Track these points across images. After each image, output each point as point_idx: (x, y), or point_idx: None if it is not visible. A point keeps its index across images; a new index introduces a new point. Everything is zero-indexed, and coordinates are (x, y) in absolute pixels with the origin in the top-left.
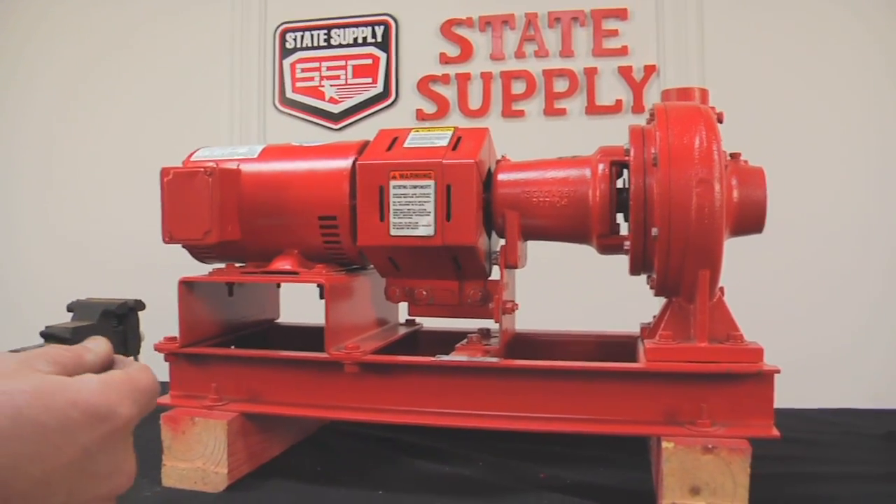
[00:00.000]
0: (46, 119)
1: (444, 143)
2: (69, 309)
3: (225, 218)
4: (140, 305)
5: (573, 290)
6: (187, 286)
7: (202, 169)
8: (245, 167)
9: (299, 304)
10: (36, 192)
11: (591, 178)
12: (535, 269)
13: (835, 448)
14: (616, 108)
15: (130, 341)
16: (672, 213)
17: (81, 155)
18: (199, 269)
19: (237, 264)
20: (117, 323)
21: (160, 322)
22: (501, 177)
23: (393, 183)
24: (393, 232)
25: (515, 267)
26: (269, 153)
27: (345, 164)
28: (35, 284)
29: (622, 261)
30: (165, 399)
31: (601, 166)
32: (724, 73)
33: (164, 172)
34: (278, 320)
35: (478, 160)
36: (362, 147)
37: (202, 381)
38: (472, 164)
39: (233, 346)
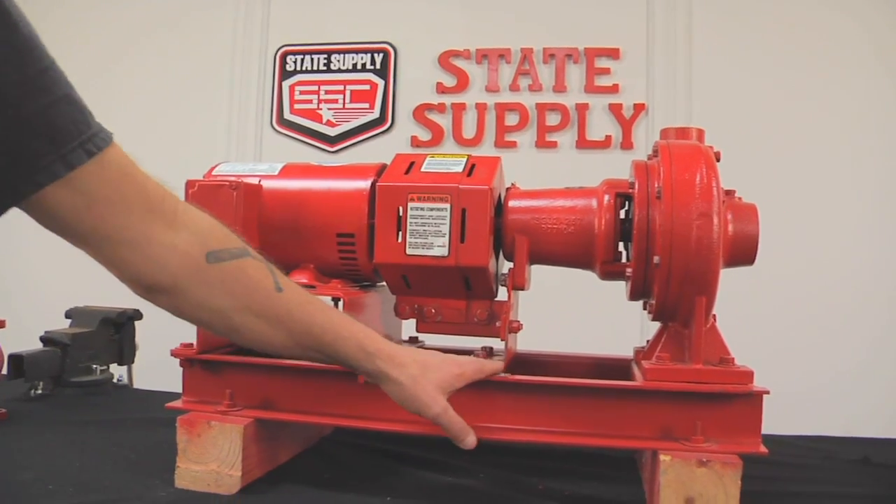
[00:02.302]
0: None
1: (460, 169)
2: (67, 315)
3: (247, 231)
4: (138, 315)
5: (561, 315)
6: None
7: (227, 183)
8: (266, 183)
9: None
10: None
11: (598, 208)
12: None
13: (817, 471)
14: (605, 144)
15: (126, 350)
16: (673, 244)
17: None
18: None
19: None
20: (114, 331)
21: (160, 331)
22: (512, 203)
23: (411, 205)
24: (409, 251)
25: (522, 289)
26: (290, 171)
27: (364, 184)
28: (35, 291)
29: (611, 287)
30: (178, 403)
31: (606, 197)
32: (711, 113)
33: (189, 185)
34: None
35: (492, 186)
36: (380, 169)
37: (216, 387)
38: (486, 190)
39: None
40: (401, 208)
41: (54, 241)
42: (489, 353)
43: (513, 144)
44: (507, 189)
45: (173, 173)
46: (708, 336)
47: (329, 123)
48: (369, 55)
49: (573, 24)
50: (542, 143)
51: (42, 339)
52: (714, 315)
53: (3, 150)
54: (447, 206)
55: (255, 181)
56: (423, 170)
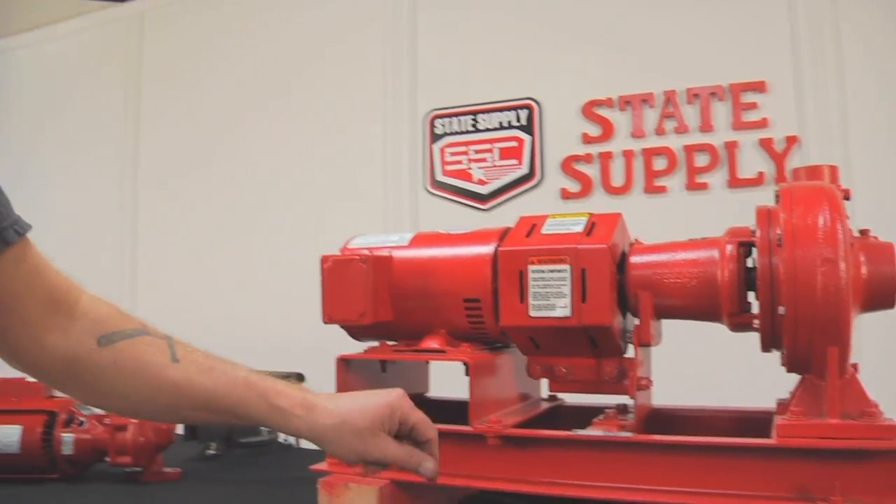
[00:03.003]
0: (208, 197)
1: (580, 228)
2: None
3: (378, 301)
4: (301, 378)
5: (716, 364)
6: (345, 363)
7: (358, 257)
8: (396, 254)
9: (449, 378)
10: (202, 266)
11: (720, 259)
12: (676, 344)
13: None
14: (758, 181)
15: None
16: (797, 293)
17: (243, 233)
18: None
19: (389, 342)
20: None
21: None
22: (634, 259)
23: (531, 267)
24: (532, 313)
25: (649, 345)
26: (419, 241)
27: (487, 250)
28: None
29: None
30: (322, 465)
31: (729, 247)
32: (868, 141)
33: (324, 260)
34: (428, 394)
35: (610, 244)
36: (503, 234)
37: None
38: (605, 249)
39: None
40: (522, 272)
41: (229, 315)
42: (622, 410)
43: (662, 189)
44: (631, 245)
45: (331, 238)
46: (847, 388)
47: (480, 182)
48: (514, 112)
49: (715, 61)
50: (693, 186)
51: None
52: (855, 364)
53: None
54: (567, 266)
55: (386, 253)
56: (543, 231)
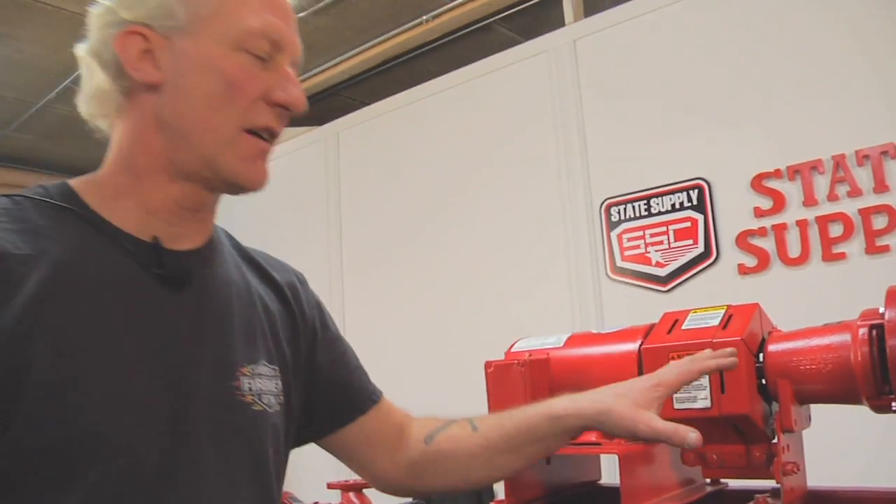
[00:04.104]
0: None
1: (716, 322)
2: None
3: (537, 399)
4: None
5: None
6: None
7: (516, 361)
8: (553, 354)
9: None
10: (398, 353)
11: (853, 343)
12: (844, 422)
13: None
14: None
15: (484, 497)
16: None
17: (438, 320)
18: None
19: None
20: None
21: None
22: (771, 348)
23: (672, 363)
24: (676, 406)
25: (791, 431)
26: (573, 341)
27: (632, 347)
28: None
29: None
30: None
31: (862, 330)
32: None
33: (487, 365)
34: (601, 481)
35: (744, 336)
36: (648, 330)
37: None
38: (738, 342)
39: None
40: None
41: (429, 403)
42: (775, 494)
43: (841, 256)
44: (770, 333)
45: (524, 329)
46: None
47: (658, 265)
48: (685, 193)
49: (882, 119)
50: (873, 250)
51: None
52: None
53: (325, 399)
54: None
55: (543, 355)
56: (683, 327)
